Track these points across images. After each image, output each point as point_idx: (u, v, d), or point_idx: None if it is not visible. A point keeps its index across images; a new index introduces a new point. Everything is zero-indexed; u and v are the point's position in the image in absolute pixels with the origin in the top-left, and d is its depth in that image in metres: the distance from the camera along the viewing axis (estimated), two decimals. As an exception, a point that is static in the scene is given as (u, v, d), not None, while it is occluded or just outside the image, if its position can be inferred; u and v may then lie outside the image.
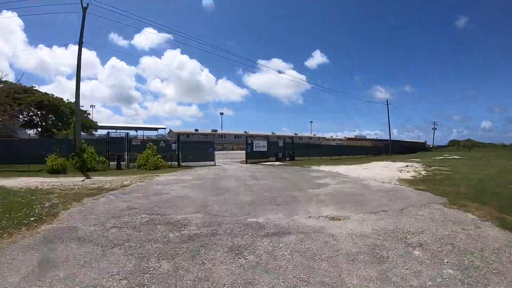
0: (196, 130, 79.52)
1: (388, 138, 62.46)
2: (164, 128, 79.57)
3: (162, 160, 18.58)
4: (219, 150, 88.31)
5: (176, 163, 20.00)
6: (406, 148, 68.77)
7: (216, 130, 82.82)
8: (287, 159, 28.80)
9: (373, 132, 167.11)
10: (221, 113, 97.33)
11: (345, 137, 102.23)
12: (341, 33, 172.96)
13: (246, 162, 24.60)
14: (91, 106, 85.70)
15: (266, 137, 79.34)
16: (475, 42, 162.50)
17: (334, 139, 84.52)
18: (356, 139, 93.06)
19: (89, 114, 38.70)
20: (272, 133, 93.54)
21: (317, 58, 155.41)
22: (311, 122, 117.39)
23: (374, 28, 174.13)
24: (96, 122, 40.72)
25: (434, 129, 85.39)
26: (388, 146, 56.62)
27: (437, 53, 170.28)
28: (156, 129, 77.51)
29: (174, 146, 20.38)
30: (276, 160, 27.38)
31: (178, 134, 20.75)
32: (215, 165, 21.38)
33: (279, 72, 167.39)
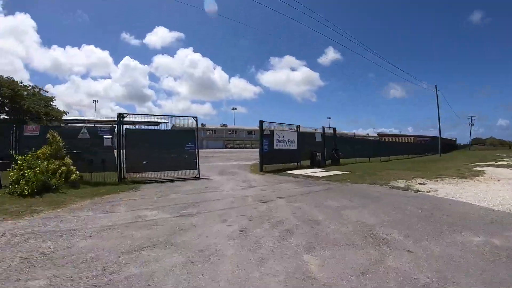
0: (202, 124, 70.22)
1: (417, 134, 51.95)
2: (194, 117, 73.12)
3: (71, 168, 8.29)
4: (230, 148, 77.05)
5: (114, 174, 9.62)
6: (444, 145, 57.64)
7: (226, 125, 72.93)
8: (327, 162, 18.06)
9: (388, 130, 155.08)
10: (233, 108, 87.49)
11: (377, 133, 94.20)
12: (354, 28, 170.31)
13: (262, 170, 14.12)
14: (94, 101, 79.56)
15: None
16: (485, 38, 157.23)
17: (368, 136, 73.89)
18: (390, 135, 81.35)
19: (53, 100, 29.21)
20: (296, 126, 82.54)
21: (330, 55, 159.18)
22: (329, 118, 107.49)
23: (386, 23, 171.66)
24: (64, 111, 31.20)
25: (472, 124, 76.82)
26: (438, 143, 46.64)
27: (451, 47, 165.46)
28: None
29: (107, 139, 9.73)
30: (313, 165, 16.71)
31: (120, 116, 9.41)
32: (199, 178, 10.95)
33: (292, 69, 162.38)
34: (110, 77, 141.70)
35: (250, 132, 74.19)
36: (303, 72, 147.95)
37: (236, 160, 22.31)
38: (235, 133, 72.24)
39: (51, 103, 29.33)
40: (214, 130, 69.39)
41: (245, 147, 72.88)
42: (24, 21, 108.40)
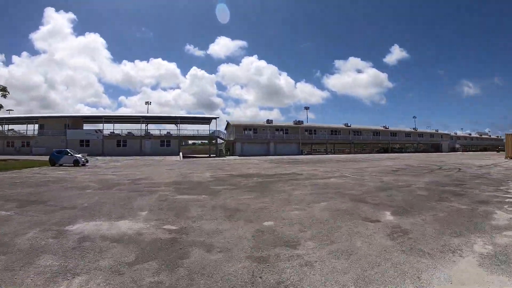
0: (269, 121, 54.15)
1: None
2: (215, 118, 52.99)
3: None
4: (305, 155, 52.18)
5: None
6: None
7: (301, 122, 56.99)
8: None
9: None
10: (306, 108, 68.92)
11: (469, 133, 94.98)
12: (419, 23, 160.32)
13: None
14: (147, 102, 61.54)
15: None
16: None
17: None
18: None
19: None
20: (384, 127, 67.01)
21: (396, 53, 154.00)
22: (415, 117, 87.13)
23: (455, 17, 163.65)
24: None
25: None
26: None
27: None
28: (206, 120, 52.97)
29: None
30: None
31: None
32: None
33: (358, 71, 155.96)
34: (179, 87, 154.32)
35: (334, 131, 56.82)
36: (370, 74, 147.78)
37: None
38: (314, 133, 54.08)
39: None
40: (285, 129, 52.33)
41: (326, 152, 57.50)
42: (94, 39, 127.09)
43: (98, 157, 36.00)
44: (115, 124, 50.18)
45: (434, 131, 73.77)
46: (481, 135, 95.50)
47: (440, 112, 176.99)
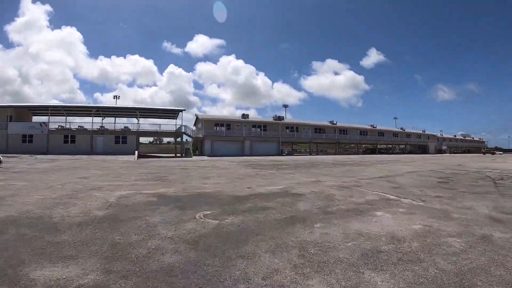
0: (244, 116, 46.16)
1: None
2: (181, 110, 44.14)
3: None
4: (286, 155, 44.79)
5: None
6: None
7: (281, 118, 50.20)
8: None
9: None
10: (285, 106, 61.43)
11: (454, 135, 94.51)
12: (397, 27, 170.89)
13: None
14: (115, 97, 50.43)
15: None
16: None
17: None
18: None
19: None
20: (372, 126, 62.47)
21: (373, 57, 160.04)
22: (395, 118, 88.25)
23: (433, 22, 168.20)
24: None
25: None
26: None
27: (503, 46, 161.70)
28: (172, 112, 44.80)
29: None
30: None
31: None
32: None
33: (335, 73, 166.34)
34: (156, 85, 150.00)
35: (319, 129, 50.20)
36: (347, 76, 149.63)
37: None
38: (296, 130, 47.46)
39: None
40: (263, 125, 45.75)
41: (310, 153, 52.19)
42: (71, 33, 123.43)
43: (38, 156, 28.20)
44: (67, 117, 41.42)
45: (421, 131, 70.70)
46: (465, 137, 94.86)
47: (416, 115, 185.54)
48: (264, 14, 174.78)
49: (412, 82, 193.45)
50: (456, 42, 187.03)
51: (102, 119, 44.86)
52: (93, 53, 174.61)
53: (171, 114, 44.68)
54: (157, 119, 49.71)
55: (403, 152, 65.29)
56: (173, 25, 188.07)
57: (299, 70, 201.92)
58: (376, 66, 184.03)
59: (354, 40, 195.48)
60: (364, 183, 9.01)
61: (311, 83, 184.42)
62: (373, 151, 60.11)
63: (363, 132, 59.24)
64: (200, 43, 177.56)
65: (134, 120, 45.94)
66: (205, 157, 34.99)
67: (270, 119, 48.40)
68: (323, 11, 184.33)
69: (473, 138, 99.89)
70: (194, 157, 36.03)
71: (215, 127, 43.55)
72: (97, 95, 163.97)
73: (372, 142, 61.16)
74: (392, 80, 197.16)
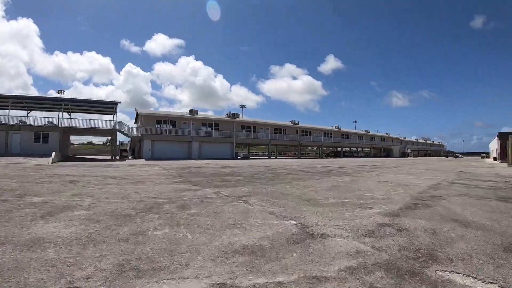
0: (192, 112, 40.14)
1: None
2: (116, 103, 36.76)
3: None
4: (242, 159, 38.84)
5: None
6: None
7: (236, 115, 43.89)
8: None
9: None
10: (242, 106, 53.47)
11: (416, 138, 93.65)
12: (355, 35, 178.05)
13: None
14: (60, 91, 39.48)
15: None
16: (494, 43, 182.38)
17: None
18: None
19: None
20: (337, 127, 58.78)
21: (331, 63, 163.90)
22: (355, 121, 74.82)
23: (388, 31, 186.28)
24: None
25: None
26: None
27: (455, 57, 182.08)
28: (106, 106, 37.26)
29: None
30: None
31: None
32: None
33: (293, 78, 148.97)
34: (112, 84, 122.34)
35: (279, 130, 45.38)
36: (305, 81, 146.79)
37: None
38: (254, 130, 42.08)
39: None
40: (214, 124, 40.39)
41: (269, 155, 48.16)
42: (27, 25, 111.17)
43: None
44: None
45: (385, 134, 69.19)
46: (426, 141, 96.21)
47: (372, 120, 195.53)
48: (225, 16, 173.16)
49: (368, 88, 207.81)
50: (409, 50, 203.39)
51: (28, 113, 37.12)
52: (49, 48, 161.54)
53: (106, 108, 37.51)
54: (94, 115, 42.38)
55: (367, 155, 63.17)
56: (133, 22, 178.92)
57: (258, 74, 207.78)
58: (334, 72, 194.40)
59: (313, 45, 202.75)
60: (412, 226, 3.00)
61: (269, 87, 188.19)
62: (337, 155, 56.83)
63: (327, 133, 55.38)
64: (159, 42, 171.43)
65: (69, 115, 38.70)
66: (141, 161, 28.98)
67: (223, 117, 42.47)
68: (283, 15, 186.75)
69: (433, 141, 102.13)
70: (129, 161, 29.87)
71: (156, 125, 37.05)
72: (51, 92, 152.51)
73: (337, 145, 57.61)
74: (349, 86, 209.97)
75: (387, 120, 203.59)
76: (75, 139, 58.84)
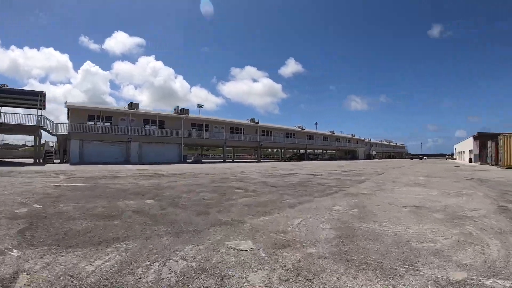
0: (131, 106, 34.60)
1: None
2: (41, 93, 31.23)
3: None
4: (192, 162, 33.81)
5: None
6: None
7: (186, 110, 37.94)
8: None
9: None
10: (199, 105, 46.36)
11: (380, 140, 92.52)
12: (315, 39, 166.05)
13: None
14: (3, 85, 29.40)
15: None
16: (449, 51, 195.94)
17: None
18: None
19: None
20: (300, 127, 54.96)
21: (291, 66, 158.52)
22: (316, 123, 70.12)
23: (346, 38, 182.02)
24: None
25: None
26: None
27: (412, 63, 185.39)
28: (28, 96, 29.65)
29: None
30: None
31: None
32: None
33: (254, 80, 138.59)
34: (70, 82, 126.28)
35: (236, 129, 42.05)
36: (265, 84, 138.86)
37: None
38: (206, 129, 37.33)
39: None
40: (159, 121, 35.62)
41: (224, 158, 43.03)
42: None
43: None
44: None
45: (350, 135, 67.63)
46: (389, 143, 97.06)
47: (331, 123, 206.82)
48: (186, 16, 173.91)
49: (327, 92, 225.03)
50: (368, 56, 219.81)
51: None
52: (5, 42, 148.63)
53: (29, 99, 31.26)
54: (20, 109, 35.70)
55: (332, 158, 61.06)
56: (92, 18, 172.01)
57: (218, 75, 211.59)
58: (294, 75, 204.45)
59: (274, 48, 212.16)
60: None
61: (229, 88, 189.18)
62: (300, 157, 53.73)
63: (290, 134, 51.56)
64: (119, 40, 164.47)
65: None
66: (65, 166, 23.67)
67: (170, 113, 36.87)
68: (245, 17, 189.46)
69: (396, 143, 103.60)
70: (50, 166, 24.35)
71: (89, 121, 31.35)
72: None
73: (301, 147, 54.04)
74: (308, 89, 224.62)
75: (346, 123, 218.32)
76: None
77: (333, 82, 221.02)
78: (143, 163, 28.82)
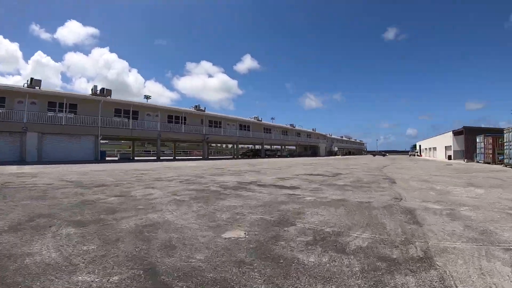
0: (31, 84, 26.24)
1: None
2: None
3: None
4: (120, 162, 26.91)
5: None
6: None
7: (104, 90, 29.67)
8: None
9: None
10: (147, 97, 36.52)
11: (341, 136, 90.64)
12: (271, 39, 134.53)
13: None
14: None
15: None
16: (404, 53, 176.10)
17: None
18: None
19: None
20: (257, 118, 49.76)
21: (247, 63, 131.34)
22: (273, 118, 59.25)
23: (304, 36, 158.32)
24: None
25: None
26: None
27: (367, 63, 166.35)
28: None
29: None
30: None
31: None
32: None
33: (209, 75, 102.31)
34: (19, 74, 76.18)
35: (175, 118, 35.74)
36: (220, 79, 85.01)
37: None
38: (136, 117, 29.91)
39: None
40: (70, 105, 28.07)
41: (158, 155, 44.76)
42: None
43: None
44: None
45: (311, 130, 63.61)
46: (349, 139, 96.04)
47: (286, 120, 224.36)
48: (143, 7, 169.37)
49: (283, 89, 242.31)
50: (324, 55, 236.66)
51: None
52: None
53: None
54: None
55: (291, 154, 56.57)
56: (44, 4, 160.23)
57: (173, 70, 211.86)
58: (250, 71, 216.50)
59: (230, 44, 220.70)
60: None
61: (184, 83, 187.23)
62: (256, 154, 48.37)
63: (245, 126, 45.18)
64: (71, 30, 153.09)
65: None
66: None
67: (86, 95, 28.84)
68: (201, 12, 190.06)
69: (355, 140, 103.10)
70: None
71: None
72: None
73: (257, 142, 47.86)
74: (264, 86, 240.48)
75: (302, 121, 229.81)
76: None
77: (288, 79, 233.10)
78: (44, 163, 21.19)
